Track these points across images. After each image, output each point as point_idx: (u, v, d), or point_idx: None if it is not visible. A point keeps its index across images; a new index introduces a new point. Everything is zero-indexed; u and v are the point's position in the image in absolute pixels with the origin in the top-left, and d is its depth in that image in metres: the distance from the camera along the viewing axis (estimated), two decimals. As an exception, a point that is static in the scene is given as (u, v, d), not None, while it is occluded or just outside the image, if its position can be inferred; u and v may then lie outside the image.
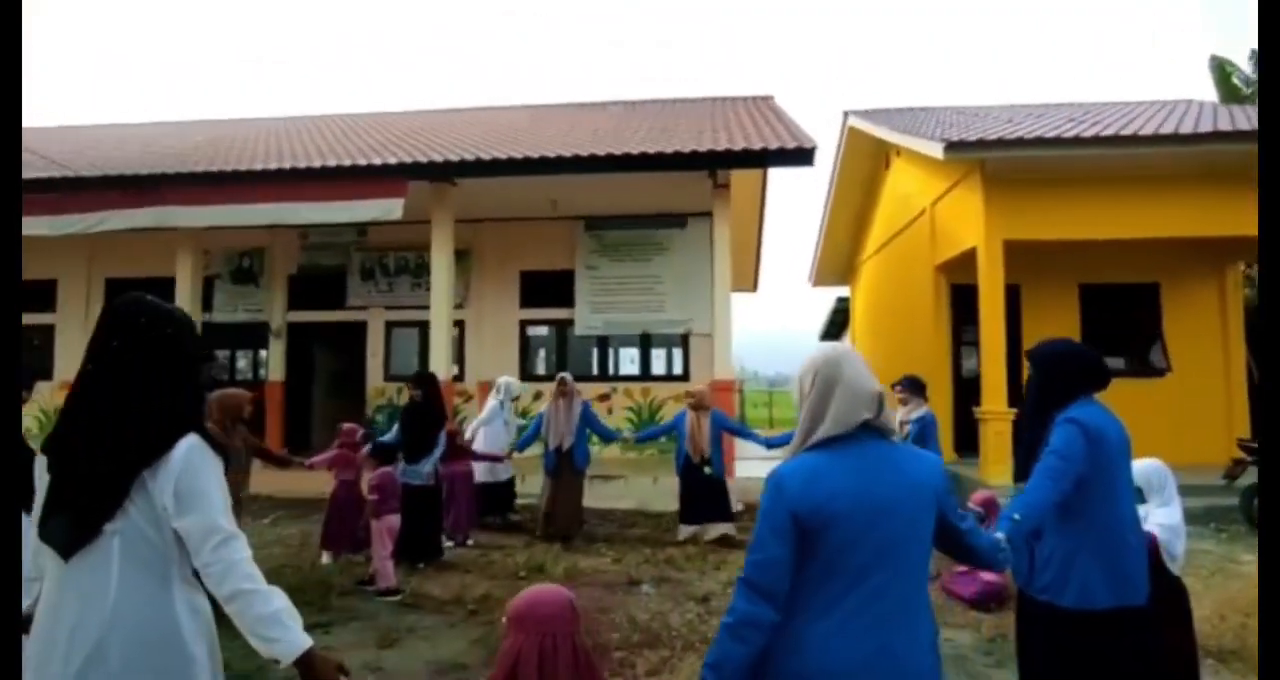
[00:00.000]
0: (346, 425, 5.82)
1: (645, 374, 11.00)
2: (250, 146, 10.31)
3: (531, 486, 7.25)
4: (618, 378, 11.08)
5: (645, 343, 11.08)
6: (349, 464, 5.65)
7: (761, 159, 7.98)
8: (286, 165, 8.63)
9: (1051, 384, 2.52)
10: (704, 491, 6.36)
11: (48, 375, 11.86)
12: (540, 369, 11.51)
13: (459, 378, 10.88)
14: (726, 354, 8.75)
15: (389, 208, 8.34)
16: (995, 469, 7.94)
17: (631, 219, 10.69)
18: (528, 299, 11.16)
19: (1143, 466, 3.28)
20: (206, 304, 11.25)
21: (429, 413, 5.67)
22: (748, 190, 13.36)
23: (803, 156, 7.90)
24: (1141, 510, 3.20)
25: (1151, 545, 2.92)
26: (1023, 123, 9.31)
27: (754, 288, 18.14)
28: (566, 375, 6.57)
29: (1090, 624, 2.25)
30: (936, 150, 8.08)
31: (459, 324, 11.03)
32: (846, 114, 12.54)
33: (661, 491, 8.02)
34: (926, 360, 10.19)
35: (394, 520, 5.00)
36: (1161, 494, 3.22)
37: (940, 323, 10.45)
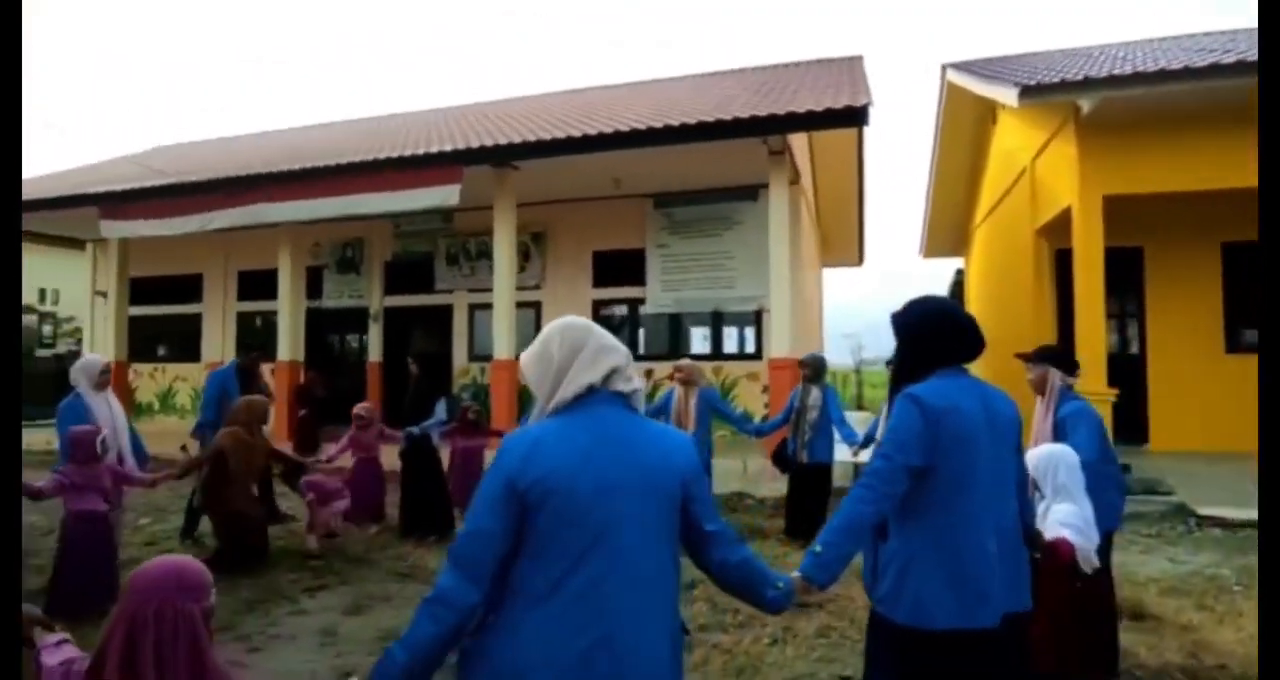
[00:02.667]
0: (356, 409, 6.27)
1: (717, 352, 10.74)
2: (324, 146, 11.09)
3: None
4: (690, 356, 10.89)
5: (717, 320, 10.81)
6: (362, 444, 6.14)
7: (807, 121, 7.44)
8: (357, 160, 9.16)
9: (907, 352, 2.13)
10: None
11: (196, 357, 13.52)
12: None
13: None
14: (785, 330, 8.34)
15: (446, 194, 8.65)
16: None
17: (700, 194, 10.41)
18: (600, 278, 11.22)
19: (1035, 454, 2.76)
20: (315, 291, 12.30)
21: (427, 386, 6.20)
22: (840, 157, 12.58)
23: (853, 116, 7.28)
24: (1040, 506, 2.69)
25: (1066, 552, 2.43)
26: (1137, 59, 8.02)
27: (859, 260, 17.17)
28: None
29: (928, 643, 1.88)
30: (1012, 97, 7.16)
31: (535, 305, 11.29)
32: (944, 68, 11.41)
33: (754, 476, 7.41)
34: (1029, 334, 9.16)
35: (340, 505, 5.45)
36: (1053, 485, 2.66)
37: (1042, 292, 9.36)
